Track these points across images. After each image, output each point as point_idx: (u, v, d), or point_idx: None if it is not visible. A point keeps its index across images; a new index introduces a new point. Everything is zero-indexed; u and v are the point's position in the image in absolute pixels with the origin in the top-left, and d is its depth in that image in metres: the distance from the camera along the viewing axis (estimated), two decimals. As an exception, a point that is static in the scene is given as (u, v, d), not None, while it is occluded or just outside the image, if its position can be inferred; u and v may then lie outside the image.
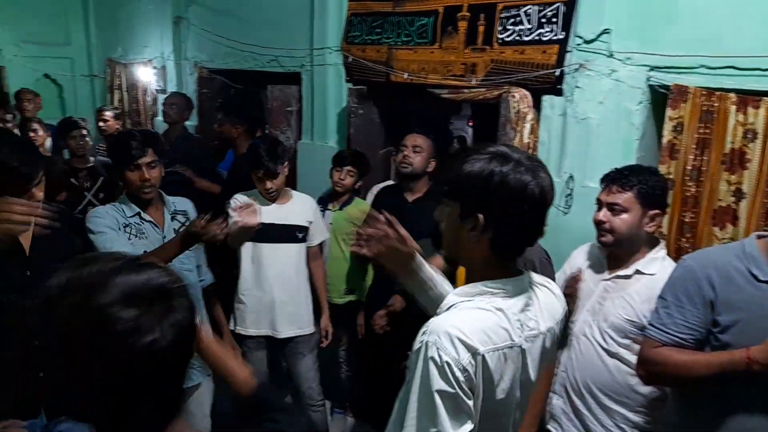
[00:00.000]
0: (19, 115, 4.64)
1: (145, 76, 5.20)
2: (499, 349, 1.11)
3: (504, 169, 1.10)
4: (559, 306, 1.31)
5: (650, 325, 1.59)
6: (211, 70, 4.56)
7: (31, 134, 3.93)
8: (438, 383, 1.05)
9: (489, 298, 1.15)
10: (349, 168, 2.95)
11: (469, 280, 1.22)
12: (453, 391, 1.05)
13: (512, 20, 2.70)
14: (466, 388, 1.07)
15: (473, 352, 1.07)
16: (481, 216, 1.12)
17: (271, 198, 2.60)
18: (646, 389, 1.76)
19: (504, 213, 1.12)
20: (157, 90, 5.12)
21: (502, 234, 1.14)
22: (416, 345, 1.13)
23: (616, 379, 1.80)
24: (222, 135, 3.24)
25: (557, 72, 2.56)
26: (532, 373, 1.22)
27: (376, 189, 3.15)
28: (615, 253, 1.87)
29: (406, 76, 3.15)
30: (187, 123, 4.33)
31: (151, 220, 2.15)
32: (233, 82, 4.47)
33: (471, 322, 1.10)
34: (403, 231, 1.43)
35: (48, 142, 4.20)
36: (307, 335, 2.73)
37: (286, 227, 2.62)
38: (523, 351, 1.16)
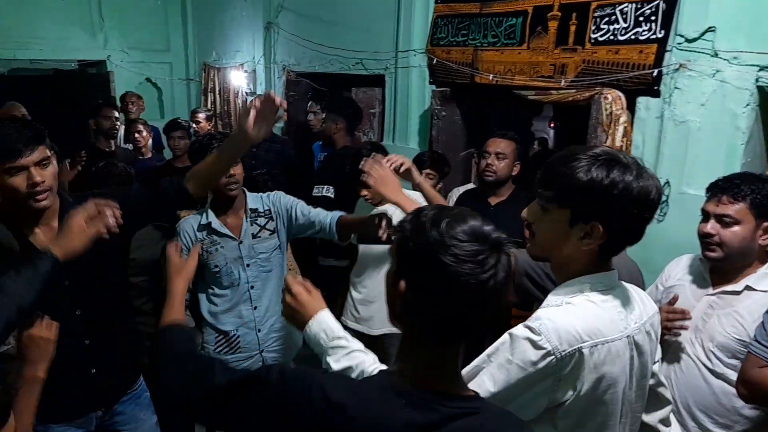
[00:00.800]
0: (123, 116, 5.00)
1: (237, 79, 5.45)
2: (607, 342, 1.09)
3: (626, 177, 1.05)
4: (650, 304, 1.27)
5: (757, 342, 1.47)
6: (298, 73, 4.71)
7: (136, 135, 4.20)
8: (526, 360, 1.04)
9: (590, 293, 1.13)
10: (428, 171, 2.94)
11: (561, 277, 1.19)
12: (538, 376, 1.05)
13: (607, 19, 2.59)
14: (557, 381, 1.06)
15: (576, 345, 1.05)
16: (599, 225, 1.08)
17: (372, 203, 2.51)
18: (752, 413, 1.63)
19: (624, 221, 1.08)
20: (247, 92, 5.35)
21: (614, 240, 1.11)
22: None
23: (720, 401, 1.67)
24: (323, 132, 3.43)
25: (655, 72, 2.44)
26: (645, 368, 1.19)
27: (456, 192, 3.13)
28: (721, 267, 1.72)
29: (491, 77, 3.11)
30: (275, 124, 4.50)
31: (222, 230, 2.17)
32: (319, 85, 4.60)
33: (577, 315, 1.09)
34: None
35: (150, 143, 4.45)
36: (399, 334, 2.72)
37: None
38: (632, 342, 1.14)
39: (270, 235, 2.24)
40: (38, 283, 1.31)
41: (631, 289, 1.24)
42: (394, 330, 2.60)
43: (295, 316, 1.30)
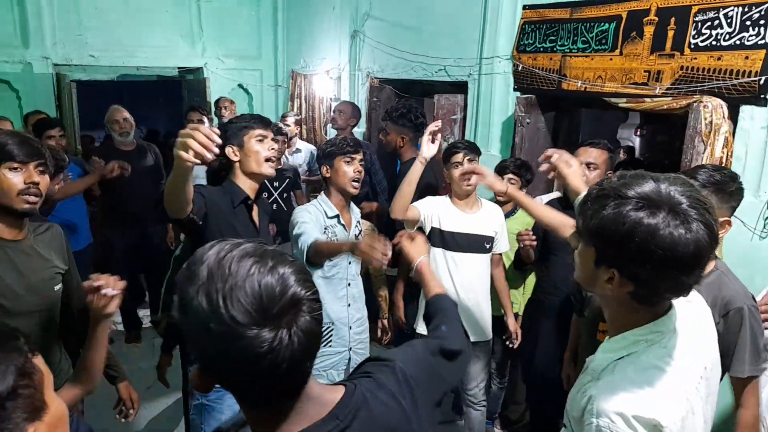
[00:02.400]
0: (216, 120, 5.29)
1: (322, 85, 5.62)
2: (680, 415, 0.98)
3: (652, 221, 0.91)
4: (711, 329, 1.16)
5: None
6: (382, 79, 4.79)
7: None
8: None
9: (647, 351, 1.03)
10: (510, 176, 2.91)
11: (612, 323, 1.11)
12: None
13: (709, 24, 2.45)
14: None
15: (655, 426, 0.96)
16: (615, 272, 0.99)
17: (467, 188, 2.56)
18: None
19: (645, 274, 0.95)
20: (331, 99, 5.50)
21: (647, 289, 0.99)
22: (586, 421, 1.02)
23: None
24: (393, 144, 3.31)
25: (762, 80, 2.28)
26: (708, 423, 1.10)
27: (540, 201, 3.06)
28: None
29: (580, 84, 3.02)
30: (356, 130, 4.59)
31: (344, 223, 2.35)
32: (401, 91, 4.66)
33: (643, 393, 0.98)
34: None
35: None
36: (484, 342, 2.72)
37: (476, 237, 2.61)
38: (698, 406, 1.04)
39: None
40: None
41: (693, 319, 1.12)
42: (479, 338, 2.60)
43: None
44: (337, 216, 2.33)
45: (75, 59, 5.44)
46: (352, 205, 2.45)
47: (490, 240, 2.65)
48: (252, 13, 6.25)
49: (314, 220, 2.27)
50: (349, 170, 2.28)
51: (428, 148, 2.33)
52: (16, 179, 1.55)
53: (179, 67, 6.22)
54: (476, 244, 2.60)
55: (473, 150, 2.64)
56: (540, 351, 2.71)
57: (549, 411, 2.65)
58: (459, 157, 2.58)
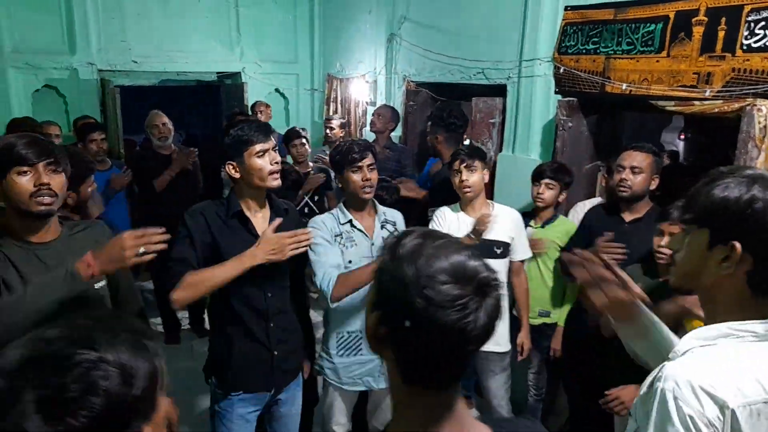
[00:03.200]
0: (254, 124, 5.35)
1: (358, 89, 5.63)
2: (752, 404, 0.95)
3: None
4: None
5: None
6: (418, 83, 4.76)
7: None
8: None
9: (734, 343, 1.00)
10: (547, 181, 2.84)
11: (709, 319, 1.08)
12: None
13: (763, 23, 2.35)
14: None
15: (721, 406, 0.93)
16: (737, 244, 0.99)
17: (467, 195, 2.58)
18: None
19: (764, 246, 0.99)
20: (367, 102, 5.51)
21: (763, 267, 1.00)
22: (644, 388, 1.03)
23: None
24: (432, 145, 3.33)
25: (822, 81, 2.17)
26: None
27: (582, 206, 2.99)
28: None
29: (624, 87, 2.94)
30: (393, 133, 4.58)
31: (362, 228, 2.30)
32: (438, 95, 4.63)
33: (717, 371, 0.97)
34: (624, 276, 1.26)
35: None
36: (501, 353, 2.66)
37: (482, 242, 2.54)
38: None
39: None
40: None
41: None
42: (493, 348, 2.52)
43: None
44: (350, 221, 2.29)
45: (118, 65, 5.59)
46: (382, 209, 2.40)
47: (502, 245, 2.59)
48: (289, 17, 6.31)
49: (327, 230, 2.26)
50: (358, 178, 2.23)
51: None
52: (26, 182, 1.53)
53: (218, 72, 6.33)
54: (484, 249, 2.53)
55: (473, 156, 2.60)
56: (583, 361, 2.63)
57: (593, 422, 2.57)
58: (456, 164, 2.60)
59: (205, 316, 3.67)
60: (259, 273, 1.90)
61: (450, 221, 2.64)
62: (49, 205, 1.56)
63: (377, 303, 0.82)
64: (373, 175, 2.26)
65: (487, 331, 0.78)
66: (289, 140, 4.17)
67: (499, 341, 2.63)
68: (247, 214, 1.99)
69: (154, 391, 0.74)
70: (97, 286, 1.68)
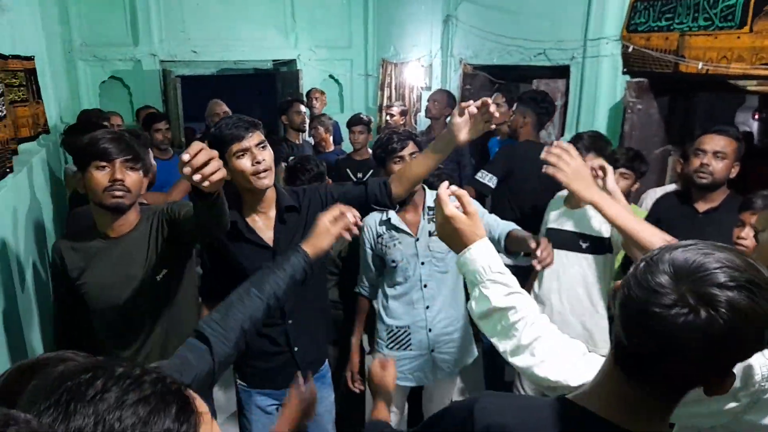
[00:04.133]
0: (308, 111, 5.37)
1: (413, 73, 5.55)
2: None
3: None
4: None
5: None
6: (475, 66, 4.64)
7: (314, 131, 4.48)
8: None
9: None
10: (623, 170, 2.68)
11: None
12: None
13: None
14: None
15: None
16: None
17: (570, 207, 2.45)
18: None
19: None
20: (422, 87, 5.42)
21: None
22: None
23: None
24: (515, 125, 3.23)
25: None
26: None
27: (653, 194, 2.83)
28: None
29: (700, 66, 2.75)
30: (449, 119, 4.49)
31: (402, 226, 2.20)
32: (496, 78, 4.50)
33: None
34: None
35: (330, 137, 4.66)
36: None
37: (571, 234, 2.42)
38: None
39: None
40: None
41: None
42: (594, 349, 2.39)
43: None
44: (388, 220, 2.21)
45: (179, 55, 5.72)
46: (429, 202, 2.25)
47: (591, 239, 2.41)
48: (343, 2, 6.27)
49: (368, 233, 2.23)
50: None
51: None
52: (101, 177, 1.59)
53: (273, 60, 6.38)
54: (571, 241, 2.42)
55: (591, 149, 2.39)
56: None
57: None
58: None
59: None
60: None
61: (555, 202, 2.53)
62: (120, 198, 1.62)
63: None
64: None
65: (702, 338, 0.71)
66: (349, 126, 4.14)
67: (588, 341, 2.45)
68: (249, 218, 1.85)
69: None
70: (158, 277, 1.73)
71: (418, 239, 2.21)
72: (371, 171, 3.98)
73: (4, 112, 2.26)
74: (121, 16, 5.38)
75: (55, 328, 2.09)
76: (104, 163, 1.59)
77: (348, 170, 4.03)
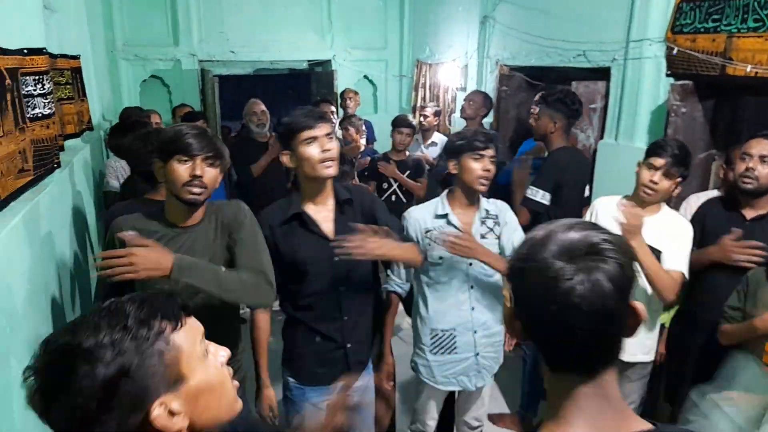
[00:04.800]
0: (342, 111, 5.40)
1: (448, 74, 5.53)
2: None
3: None
4: None
5: None
6: (512, 67, 4.59)
7: (343, 131, 4.49)
8: None
9: None
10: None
11: None
12: None
13: None
14: None
15: None
16: None
17: (650, 196, 2.24)
18: None
19: None
20: (457, 88, 5.39)
21: None
22: None
23: None
24: (545, 131, 3.04)
25: None
26: None
27: (694, 199, 2.74)
28: None
29: (749, 68, 2.65)
30: (485, 120, 4.45)
31: (458, 224, 2.17)
32: (533, 79, 4.44)
33: None
34: None
35: (362, 139, 4.64)
36: (644, 363, 2.40)
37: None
38: None
39: (496, 239, 2.20)
40: None
41: None
42: (639, 359, 2.31)
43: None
44: (446, 215, 2.17)
45: (217, 55, 5.83)
46: (484, 204, 2.24)
47: (655, 252, 2.24)
48: (379, 3, 6.29)
49: (413, 229, 2.18)
50: (478, 167, 2.08)
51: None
52: (182, 171, 1.63)
53: (309, 60, 6.44)
54: None
55: (678, 160, 2.18)
56: (691, 368, 2.44)
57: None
58: (659, 162, 2.19)
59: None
60: (330, 273, 1.90)
61: (608, 207, 2.38)
62: (198, 195, 1.66)
63: (512, 299, 0.85)
64: (493, 169, 2.11)
65: (607, 302, 0.76)
66: (395, 126, 4.11)
67: (644, 351, 2.38)
68: (309, 209, 1.92)
69: (162, 364, 0.76)
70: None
71: None
72: (408, 172, 3.98)
73: (53, 110, 2.33)
74: (162, 17, 5.51)
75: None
76: (186, 158, 1.63)
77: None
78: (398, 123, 4.05)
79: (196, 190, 1.65)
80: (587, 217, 2.48)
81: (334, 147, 1.82)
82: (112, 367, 0.73)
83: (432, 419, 2.39)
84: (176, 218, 1.74)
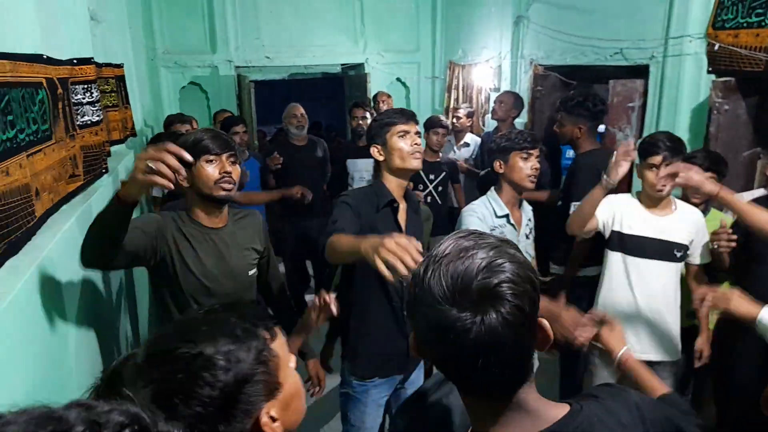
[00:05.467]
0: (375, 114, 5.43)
1: (481, 75, 5.50)
2: None
3: None
4: None
5: None
6: (547, 67, 4.55)
7: None
8: None
9: None
10: (707, 173, 2.54)
11: None
12: None
13: None
14: None
15: None
16: None
17: (659, 195, 2.29)
18: None
19: None
20: (490, 89, 5.36)
21: None
22: None
23: None
24: (571, 136, 3.03)
25: None
26: None
27: (740, 198, 2.67)
28: None
29: (796, 63, 2.57)
30: (517, 120, 4.42)
31: (514, 222, 2.23)
32: (569, 79, 4.39)
33: None
34: None
35: None
36: (670, 362, 2.40)
37: (665, 244, 2.32)
38: None
39: (533, 240, 2.21)
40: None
41: None
42: (663, 357, 2.29)
43: None
44: (507, 215, 2.22)
45: (253, 61, 5.94)
46: (525, 202, 2.32)
47: (682, 248, 2.31)
48: (411, 6, 6.31)
49: (482, 219, 2.20)
50: (526, 166, 2.15)
51: (617, 173, 2.15)
52: (212, 170, 1.72)
53: (342, 64, 6.50)
54: (664, 251, 2.31)
55: (675, 151, 2.24)
56: (738, 371, 2.38)
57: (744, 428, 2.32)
58: (657, 159, 2.24)
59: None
60: None
61: (621, 205, 2.41)
62: (229, 191, 1.75)
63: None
64: (539, 167, 2.21)
65: (507, 341, 0.72)
66: (429, 127, 4.10)
67: (667, 350, 2.38)
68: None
69: (267, 375, 0.78)
70: (250, 273, 1.88)
71: (518, 242, 2.22)
72: (443, 173, 3.98)
73: (101, 117, 2.42)
74: (200, 25, 5.66)
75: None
76: (213, 157, 1.72)
77: (420, 172, 4.04)
78: (433, 124, 4.04)
79: (227, 185, 1.73)
80: (608, 220, 2.43)
81: (421, 143, 2.00)
82: (230, 375, 0.74)
83: None
84: (202, 219, 1.81)
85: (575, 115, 2.99)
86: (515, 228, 2.22)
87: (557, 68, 4.46)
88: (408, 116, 2.00)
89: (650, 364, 2.29)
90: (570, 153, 3.60)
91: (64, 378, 1.59)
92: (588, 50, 3.97)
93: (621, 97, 3.66)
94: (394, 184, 2.01)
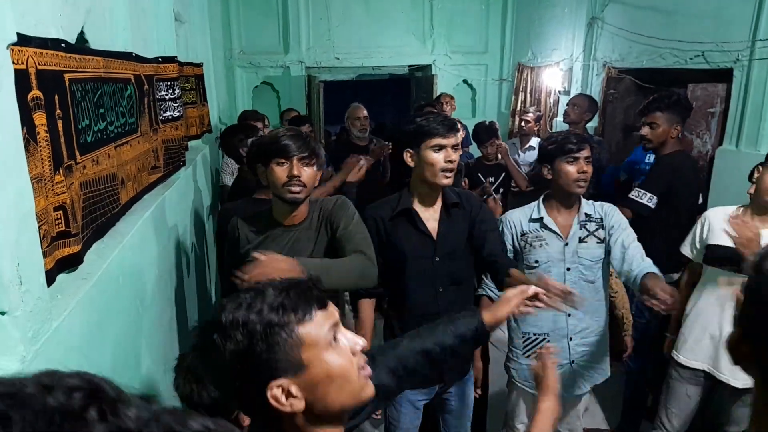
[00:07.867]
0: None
1: (551, 78, 5.38)
2: None
3: None
4: None
5: None
6: (621, 69, 4.39)
7: None
8: None
9: None
10: None
11: None
12: None
13: None
14: None
15: None
16: None
17: None
18: None
19: None
20: (560, 91, 5.24)
21: None
22: None
23: None
24: (656, 137, 2.87)
25: None
26: None
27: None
28: None
29: None
30: (588, 124, 4.29)
31: (554, 228, 2.14)
32: (644, 82, 4.22)
33: None
34: None
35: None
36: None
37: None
38: None
39: (598, 243, 2.13)
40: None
41: None
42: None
43: None
44: (540, 219, 2.14)
45: (323, 62, 6.09)
46: (584, 208, 2.17)
47: None
48: (481, 7, 6.26)
49: (511, 225, 2.17)
50: (573, 170, 2.05)
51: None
52: (281, 172, 1.74)
53: (409, 65, 6.54)
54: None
55: None
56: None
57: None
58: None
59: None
60: (430, 271, 1.94)
61: (719, 217, 2.25)
62: (297, 194, 1.75)
63: (741, 318, 0.78)
64: (589, 169, 2.08)
65: None
66: (484, 141, 4.09)
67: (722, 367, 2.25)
68: (417, 208, 1.97)
69: (285, 352, 0.82)
70: None
71: (567, 243, 2.14)
72: (503, 174, 3.94)
73: (181, 113, 2.56)
74: (274, 27, 5.86)
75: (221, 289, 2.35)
76: (283, 160, 1.73)
77: (479, 174, 4.02)
78: (487, 136, 4.03)
79: (295, 189, 1.73)
80: (697, 229, 2.34)
81: (456, 159, 1.88)
82: (240, 345, 0.81)
83: (522, 423, 2.35)
84: (280, 217, 1.84)
85: (673, 113, 2.83)
86: (556, 234, 2.13)
87: (632, 71, 4.30)
88: (448, 127, 1.87)
89: (739, 391, 2.18)
90: (651, 158, 3.38)
91: (138, 348, 1.71)
92: (666, 53, 3.80)
93: (700, 102, 3.48)
94: (423, 192, 1.96)
